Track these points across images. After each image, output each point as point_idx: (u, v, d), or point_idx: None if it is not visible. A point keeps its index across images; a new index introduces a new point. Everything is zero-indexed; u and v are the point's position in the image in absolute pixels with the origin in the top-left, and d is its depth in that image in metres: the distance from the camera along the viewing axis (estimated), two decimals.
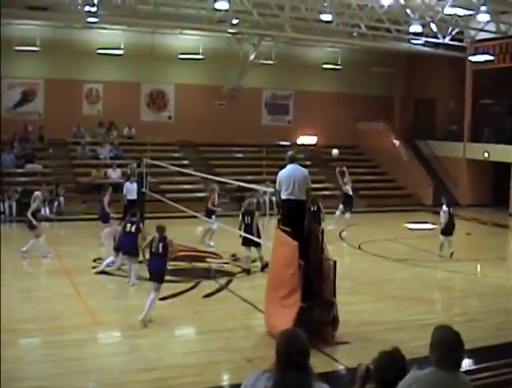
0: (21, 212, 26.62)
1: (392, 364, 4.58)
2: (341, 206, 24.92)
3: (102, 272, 16.95)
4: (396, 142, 37.24)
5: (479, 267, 20.04)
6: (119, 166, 29.84)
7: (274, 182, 13.26)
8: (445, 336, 4.66)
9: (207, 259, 19.32)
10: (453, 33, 31.15)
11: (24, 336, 12.16)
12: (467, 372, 8.19)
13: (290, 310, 11.48)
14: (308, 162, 31.32)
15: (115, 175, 29.13)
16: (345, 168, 25.52)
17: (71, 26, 31.35)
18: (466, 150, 34.44)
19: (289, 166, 12.51)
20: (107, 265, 17.15)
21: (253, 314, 13.79)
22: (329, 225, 23.25)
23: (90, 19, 27.15)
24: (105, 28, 32.03)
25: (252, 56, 32.63)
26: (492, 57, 31.74)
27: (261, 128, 36.79)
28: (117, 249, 16.88)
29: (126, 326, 12.83)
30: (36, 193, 19.85)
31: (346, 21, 29.50)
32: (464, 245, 23.14)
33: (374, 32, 30.81)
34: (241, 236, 17.57)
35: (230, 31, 31.40)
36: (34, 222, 18.82)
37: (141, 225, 16.53)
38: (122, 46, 32.78)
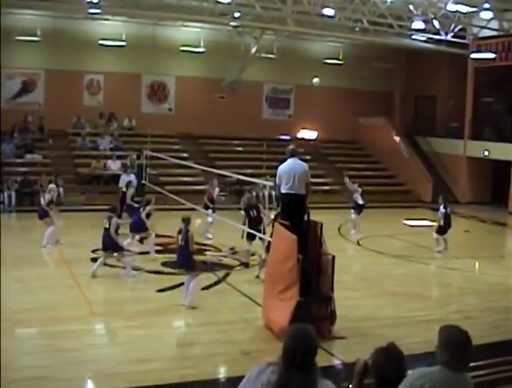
0: (20, 202, 26.73)
1: (390, 360, 4.56)
2: (352, 211, 24.52)
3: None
4: (397, 138, 37.23)
5: (477, 264, 20.08)
6: (118, 157, 29.80)
7: (274, 176, 13.23)
8: (455, 337, 4.63)
9: (206, 252, 19.32)
10: (455, 30, 31.10)
11: (21, 326, 12.14)
12: None
13: (288, 304, 11.48)
14: (308, 157, 31.27)
15: (114, 166, 29.08)
16: (347, 179, 25.18)
17: (72, 16, 31.28)
18: (466, 148, 34.41)
19: (290, 161, 12.48)
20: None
21: (251, 308, 13.77)
22: (354, 230, 23.87)
23: (92, 10, 27.04)
24: (107, 19, 31.92)
25: (253, 50, 32.56)
26: (494, 55, 31.64)
27: (261, 121, 36.79)
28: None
29: (123, 318, 12.83)
30: (51, 185, 20.63)
31: (349, 16, 29.42)
32: (463, 242, 23.17)
33: (376, 28, 30.74)
34: (244, 231, 17.40)
35: (232, 24, 31.32)
36: (50, 213, 19.46)
37: (116, 220, 16.21)
38: (123, 37, 32.70)
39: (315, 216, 12.52)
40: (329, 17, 28.58)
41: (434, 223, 22.34)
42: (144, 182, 23.92)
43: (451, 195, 25.50)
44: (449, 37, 31.15)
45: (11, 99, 32.00)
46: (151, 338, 11.71)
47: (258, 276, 15.89)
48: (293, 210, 12.31)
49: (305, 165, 12.70)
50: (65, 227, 20.21)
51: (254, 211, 17.26)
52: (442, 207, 21.03)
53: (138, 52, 33.05)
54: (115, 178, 25.95)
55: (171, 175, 29.85)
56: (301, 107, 37.59)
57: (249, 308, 13.85)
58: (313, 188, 15.87)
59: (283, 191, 12.33)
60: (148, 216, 18.44)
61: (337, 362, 10.86)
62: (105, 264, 16.49)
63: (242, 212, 17.73)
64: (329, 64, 36.95)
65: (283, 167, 12.46)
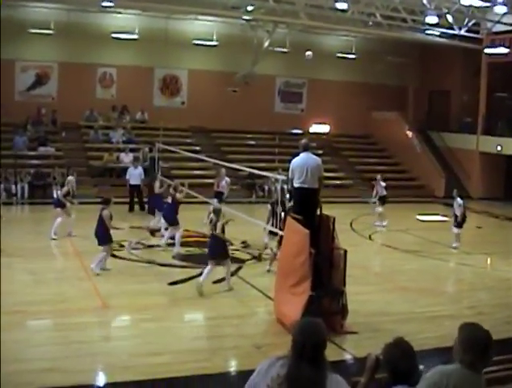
0: (33, 194, 26.83)
1: (402, 354, 4.55)
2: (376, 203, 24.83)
3: (112, 255, 17.00)
4: (410, 133, 37.14)
5: (489, 260, 19.99)
6: (131, 150, 29.86)
7: (286, 170, 13.22)
8: (478, 338, 4.59)
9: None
10: (469, 25, 30.93)
11: (34, 318, 12.20)
12: None
13: (299, 299, 11.47)
14: (320, 151, 31.22)
15: (127, 159, 29.11)
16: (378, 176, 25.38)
17: (86, 9, 31.40)
18: (479, 143, 34.29)
19: (302, 155, 12.44)
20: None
21: (263, 301, 13.79)
22: (384, 222, 24.34)
23: (105, 3, 27.11)
24: (120, 12, 32.02)
25: (266, 44, 32.50)
26: (507, 50, 31.50)
27: (273, 115, 36.76)
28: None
29: (135, 310, 12.90)
30: (70, 178, 21.14)
31: (362, 10, 29.34)
32: (475, 238, 23.09)
33: (389, 22, 30.63)
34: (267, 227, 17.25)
35: (245, 17, 31.29)
36: (67, 204, 19.76)
37: (108, 212, 15.69)
38: (136, 30, 32.75)
39: (327, 210, 12.50)
40: (342, 11, 28.49)
41: (447, 218, 22.23)
42: (156, 175, 23.95)
43: (463, 190, 25.41)
44: (463, 32, 30.96)
45: (25, 91, 32.15)
46: (163, 331, 11.73)
47: (269, 270, 15.90)
48: (306, 204, 12.29)
49: (318, 159, 12.67)
50: (77, 219, 20.21)
51: (280, 207, 17.26)
52: (458, 198, 20.88)
53: (151, 46, 33.05)
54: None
55: (183, 168, 29.85)
56: (314, 101, 37.53)
57: (261, 302, 13.87)
58: (325, 183, 15.78)
59: (296, 185, 12.31)
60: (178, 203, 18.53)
61: (348, 357, 10.87)
62: (116, 256, 16.57)
63: (269, 206, 17.37)
64: (342, 58, 36.85)
65: (295, 161, 12.43)
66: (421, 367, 4.66)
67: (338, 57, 36.87)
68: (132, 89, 33.06)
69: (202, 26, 34.18)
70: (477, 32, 32.43)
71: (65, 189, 19.96)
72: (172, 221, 18.38)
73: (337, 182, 32.19)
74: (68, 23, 31.34)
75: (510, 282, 16.96)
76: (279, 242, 13.85)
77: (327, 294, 12.07)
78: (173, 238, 18.23)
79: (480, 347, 4.56)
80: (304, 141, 12.91)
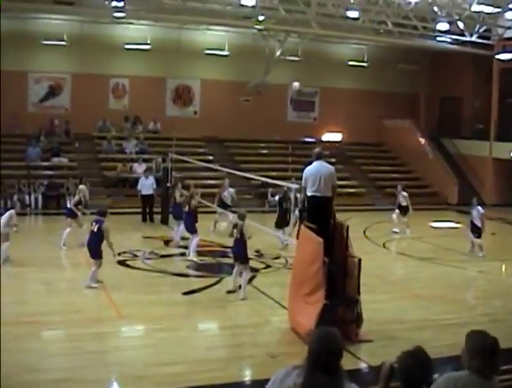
0: (46, 205, 26.95)
1: (417, 363, 4.53)
2: (397, 211, 24.67)
3: (126, 265, 17.05)
4: (422, 140, 37.07)
5: (503, 267, 19.89)
6: (144, 160, 29.93)
7: (299, 178, 13.21)
8: (484, 344, 4.61)
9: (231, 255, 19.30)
10: (480, 31, 30.91)
11: (47, 328, 12.24)
12: None
13: (314, 307, 11.45)
14: (333, 159, 31.20)
15: (140, 169, 29.15)
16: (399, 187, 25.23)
17: (98, 21, 31.57)
18: (492, 149, 34.18)
19: (316, 163, 12.42)
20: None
21: (277, 310, 13.75)
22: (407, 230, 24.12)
23: (117, 14, 27.27)
24: (132, 23, 32.17)
25: (278, 53, 32.58)
26: None
27: (286, 124, 36.77)
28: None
29: (149, 320, 12.88)
30: (81, 186, 21.19)
31: (373, 18, 29.39)
32: (489, 245, 22.95)
33: (400, 29, 30.64)
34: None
35: (256, 27, 31.36)
36: (78, 214, 19.77)
37: (105, 224, 15.16)
38: (149, 41, 32.92)
39: (340, 218, 12.50)
40: (353, 19, 28.58)
41: (460, 225, 22.06)
42: (169, 185, 24.02)
43: (477, 197, 25.32)
44: (474, 38, 30.96)
45: (38, 102, 32.32)
46: (177, 340, 11.73)
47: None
48: (319, 213, 12.27)
49: (331, 167, 12.65)
50: (88, 230, 20.26)
51: (288, 203, 17.95)
52: (479, 207, 20.77)
53: (163, 56, 33.17)
54: None
55: (196, 178, 29.81)
56: (326, 110, 37.52)
57: (275, 311, 13.83)
58: (338, 191, 15.79)
59: (309, 193, 12.29)
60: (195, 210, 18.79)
61: (363, 365, 10.81)
62: (129, 266, 16.61)
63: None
64: (354, 66, 36.88)
65: (309, 170, 12.42)
66: (435, 376, 4.65)
67: (350, 65, 36.90)
68: (145, 99, 33.15)
69: (214, 36, 34.31)
70: (488, 38, 32.36)
71: (76, 198, 20.04)
72: (192, 230, 18.55)
73: (350, 190, 32.14)
74: (81, 35, 31.52)
75: None
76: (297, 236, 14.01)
77: (341, 303, 12.03)
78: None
79: (487, 354, 4.57)
80: (317, 149, 12.90)
